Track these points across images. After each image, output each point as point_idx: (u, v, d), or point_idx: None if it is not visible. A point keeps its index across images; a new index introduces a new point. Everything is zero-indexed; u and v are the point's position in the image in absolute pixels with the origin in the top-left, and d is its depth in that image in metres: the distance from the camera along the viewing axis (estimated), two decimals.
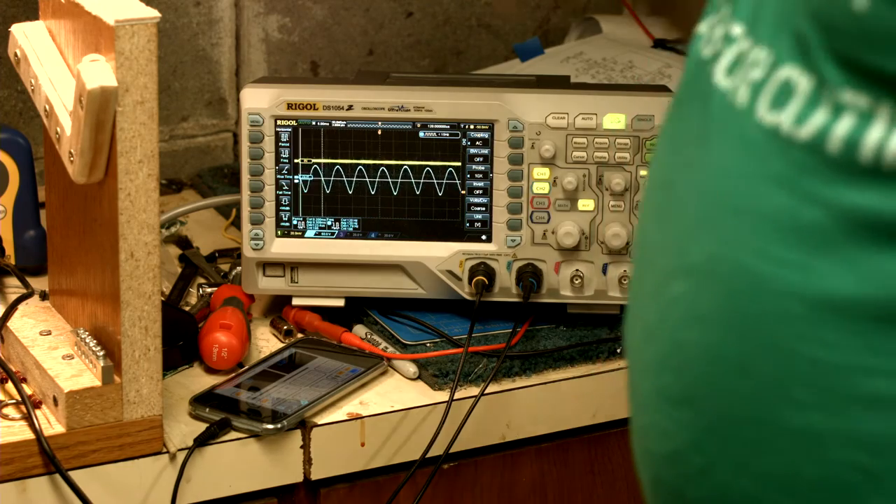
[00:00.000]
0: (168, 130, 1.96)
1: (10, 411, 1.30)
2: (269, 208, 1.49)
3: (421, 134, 1.48)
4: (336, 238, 1.51)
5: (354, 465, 1.38)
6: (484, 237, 1.49)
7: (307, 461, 1.36)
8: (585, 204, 1.47)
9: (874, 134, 0.73)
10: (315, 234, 1.51)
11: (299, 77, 2.00)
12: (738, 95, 0.81)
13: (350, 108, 1.47)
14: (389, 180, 1.49)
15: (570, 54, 1.94)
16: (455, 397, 1.39)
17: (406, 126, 1.48)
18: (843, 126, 0.75)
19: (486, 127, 1.47)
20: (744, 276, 0.79)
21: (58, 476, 1.25)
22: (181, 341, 1.44)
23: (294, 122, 1.48)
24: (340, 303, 1.53)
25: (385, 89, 1.48)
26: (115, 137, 1.22)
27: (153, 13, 1.21)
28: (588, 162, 1.47)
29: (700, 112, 0.84)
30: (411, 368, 1.45)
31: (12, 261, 1.58)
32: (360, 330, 1.51)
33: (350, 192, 1.49)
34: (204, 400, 1.36)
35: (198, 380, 1.42)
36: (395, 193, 1.49)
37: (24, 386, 1.33)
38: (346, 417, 1.37)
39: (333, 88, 1.48)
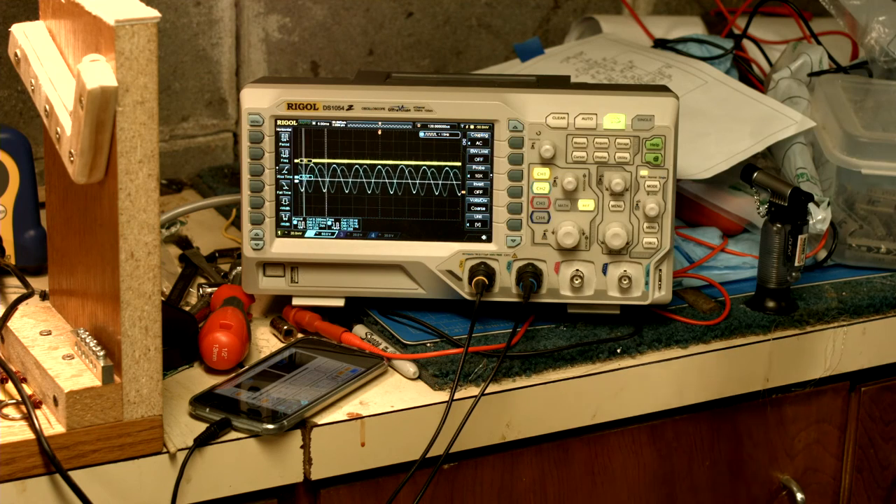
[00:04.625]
0: (168, 130, 1.96)
1: (10, 411, 1.30)
2: (269, 208, 1.49)
3: (421, 134, 1.48)
4: (336, 238, 1.51)
5: (354, 465, 1.38)
6: (484, 237, 1.49)
7: (307, 461, 1.36)
8: (585, 204, 1.47)
9: None
10: (315, 234, 1.51)
11: (299, 77, 2.00)
12: None
13: (350, 108, 1.47)
14: (390, 180, 1.49)
15: (570, 54, 1.94)
16: (455, 397, 1.39)
17: (406, 126, 1.48)
18: None
19: (486, 127, 1.47)
20: None
21: (58, 476, 1.25)
22: (181, 341, 1.44)
23: (294, 122, 1.48)
24: (340, 303, 1.53)
25: (385, 89, 1.48)
26: (115, 137, 1.22)
27: (153, 13, 1.21)
28: (588, 162, 1.47)
29: None
30: (411, 368, 1.45)
31: (12, 261, 1.58)
32: (360, 330, 1.51)
33: (350, 192, 1.49)
34: (204, 400, 1.36)
35: (198, 380, 1.42)
36: (395, 193, 1.49)
37: (24, 386, 1.34)
38: (346, 417, 1.37)
39: (333, 88, 1.48)
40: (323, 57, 2.02)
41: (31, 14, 1.51)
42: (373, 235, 1.50)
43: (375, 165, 1.49)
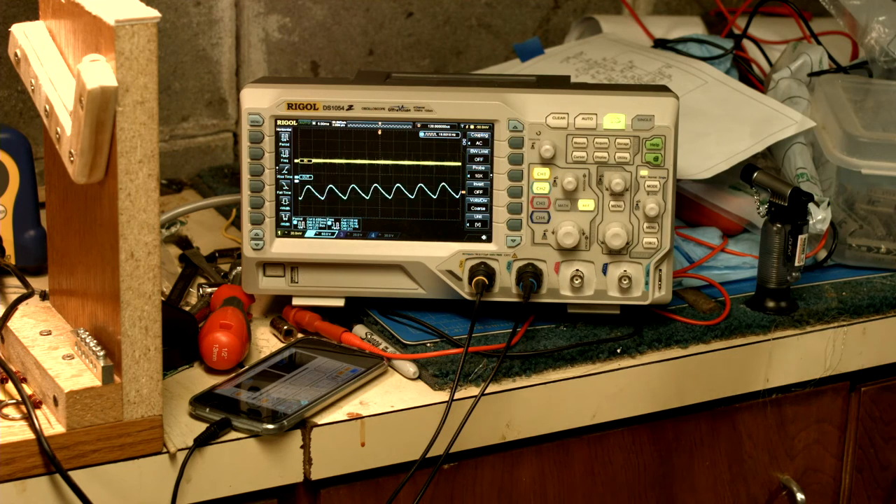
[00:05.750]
0: (168, 130, 1.96)
1: (10, 411, 1.30)
2: (269, 208, 1.49)
3: (421, 134, 1.48)
4: (336, 238, 1.50)
5: (354, 465, 1.38)
6: (484, 237, 1.49)
7: (307, 461, 1.36)
8: (585, 204, 1.47)
9: None
10: (315, 234, 1.51)
11: (299, 77, 2.00)
12: None
13: (350, 108, 1.47)
14: (390, 180, 1.49)
15: (570, 54, 1.94)
16: (455, 397, 1.39)
17: (406, 126, 1.48)
18: None
19: (486, 127, 1.47)
20: None
21: (58, 476, 1.25)
22: (181, 341, 1.44)
23: (294, 122, 1.48)
24: (340, 303, 1.53)
25: (385, 89, 1.48)
26: (115, 137, 1.22)
27: (153, 13, 1.21)
28: (588, 162, 1.47)
29: None
30: (411, 368, 1.45)
31: (12, 261, 1.58)
32: (360, 330, 1.51)
33: (350, 193, 1.49)
34: (204, 400, 1.36)
35: (198, 380, 1.42)
36: (395, 193, 1.49)
37: (24, 386, 1.34)
38: (346, 417, 1.37)
39: (333, 88, 1.48)
40: (323, 57, 2.02)
41: (31, 14, 1.51)
42: (373, 235, 1.50)
43: (375, 165, 1.49)
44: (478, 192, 1.49)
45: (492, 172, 1.48)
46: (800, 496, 1.64)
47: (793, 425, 1.64)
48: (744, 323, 1.56)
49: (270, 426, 1.33)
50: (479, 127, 1.47)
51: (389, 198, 1.49)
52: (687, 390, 1.53)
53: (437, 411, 1.39)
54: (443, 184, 1.49)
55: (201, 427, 1.33)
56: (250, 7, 1.96)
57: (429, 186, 1.49)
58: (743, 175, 1.58)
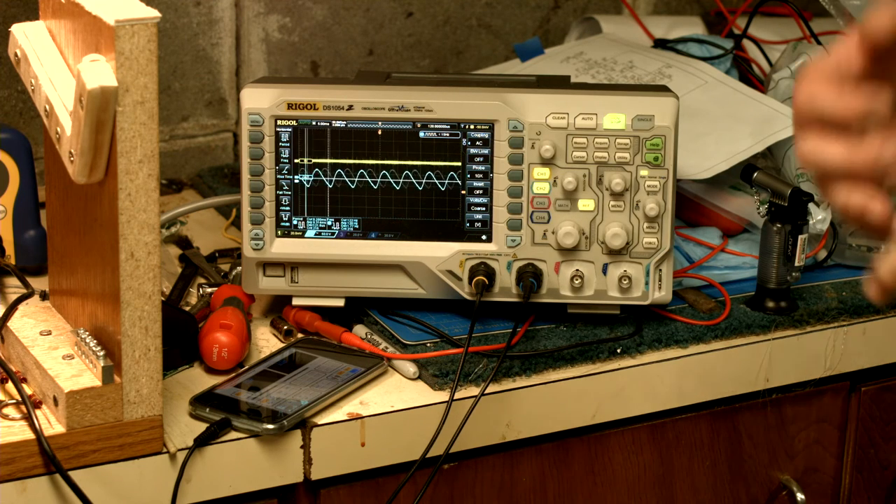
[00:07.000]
0: (168, 130, 1.96)
1: (10, 411, 1.30)
2: (270, 208, 1.49)
3: (421, 134, 1.48)
4: (336, 238, 1.50)
5: (354, 465, 1.38)
6: (484, 237, 1.49)
7: (307, 461, 1.36)
8: (585, 204, 1.47)
9: None
10: (315, 234, 1.51)
11: (299, 77, 2.00)
12: None
13: (350, 108, 1.47)
14: (390, 180, 1.49)
15: (570, 54, 1.94)
16: (455, 397, 1.39)
17: (406, 126, 1.48)
18: None
19: (486, 127, 1.47)
20: None
21: (58, 476, 1.25)
22: (181, 341, 1.44)
23: (294, 122, 1.48)
24: (340, 303, 1.53)
25: (385, 89, 1.48)
26: (115, 137, 1.22)
27: (153, 13, 1.21)
28: (588, 162, 1.47)
29: None
30: (411, 368, 1.45)
31: (12, 261, 1.58)
32: (360, 330, 1.51)
33: (350, 192, 1.49)
34: (204, 400, 1.36)
35: (198, 380, 1.42)
36: (395, 193, 1.49)
37: (24, 386, 1.34)
38: (346, 417, 1.37)
39: (333, 88, 1.48)
40: (323, 57, 2.02)
41: (31, 14, 1.51)
42: (373, 235, 1.50)
43: (375, 165, 1.49)
44: (478, 192, 1.49)
45: (492, 172, 1.48)
46: (800, 496, 1.64)
47: (793, 425, 1.64)
48: (744, 323, 1.56)
49: (270, 426, 1.33)
50: (479, 127, 1.47)
51: (389, 198, 1.49)
52: (687, 390, 1.53)
53: (437, 411, 1.39)
54: (443, 184, 1.49)
55: (201, 427, 1.33)
56: (250, 7, 1.96)
57: (429, 186, 1.49)
58: (743, 175, 1.58)
